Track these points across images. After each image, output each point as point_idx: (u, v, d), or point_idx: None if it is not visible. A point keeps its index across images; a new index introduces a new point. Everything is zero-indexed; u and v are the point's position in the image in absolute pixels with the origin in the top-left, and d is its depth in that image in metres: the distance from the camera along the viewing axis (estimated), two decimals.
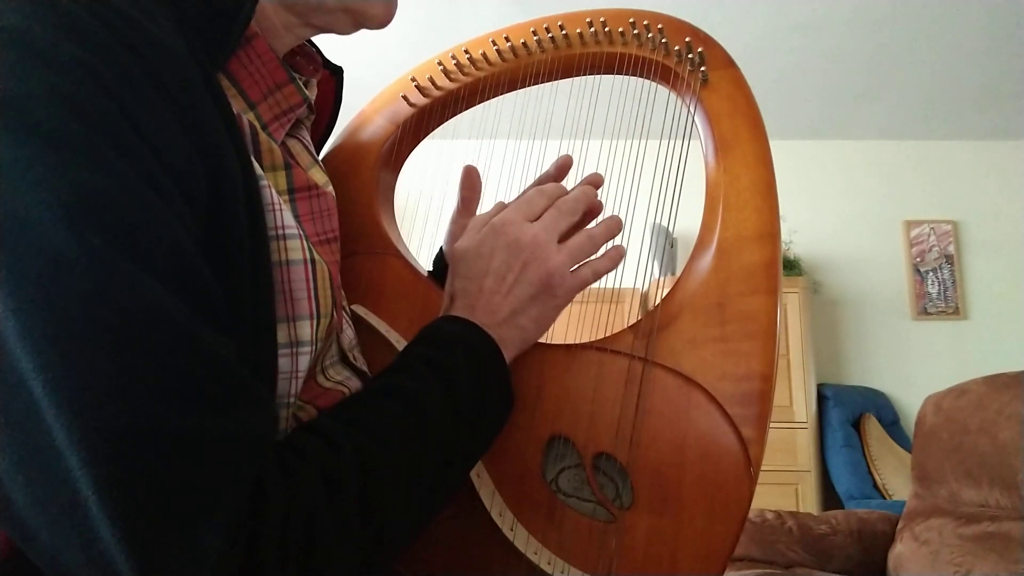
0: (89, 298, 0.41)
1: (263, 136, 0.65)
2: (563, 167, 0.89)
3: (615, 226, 0.79)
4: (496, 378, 0.66)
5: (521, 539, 0.72)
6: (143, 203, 0.45)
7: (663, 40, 0.85)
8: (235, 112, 0.59)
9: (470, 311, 0.70)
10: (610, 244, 0.80)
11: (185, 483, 0.41)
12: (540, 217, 0.75)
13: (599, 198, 0.83)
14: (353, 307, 0.80)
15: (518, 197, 0.82)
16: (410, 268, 0.85)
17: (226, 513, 0.42)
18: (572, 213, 0.77)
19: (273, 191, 0.61)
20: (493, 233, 0.73)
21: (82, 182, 0.42)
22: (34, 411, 0.39)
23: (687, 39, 0.83)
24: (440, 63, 0.91)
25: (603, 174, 0.86)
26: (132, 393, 0.41)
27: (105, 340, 0.41)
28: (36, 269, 0.40)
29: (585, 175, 0.85)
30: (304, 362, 0.62)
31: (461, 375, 0.62)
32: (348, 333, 0.75)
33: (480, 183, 0.89)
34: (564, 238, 0.75)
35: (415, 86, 0.92)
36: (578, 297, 0.95)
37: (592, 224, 0.80)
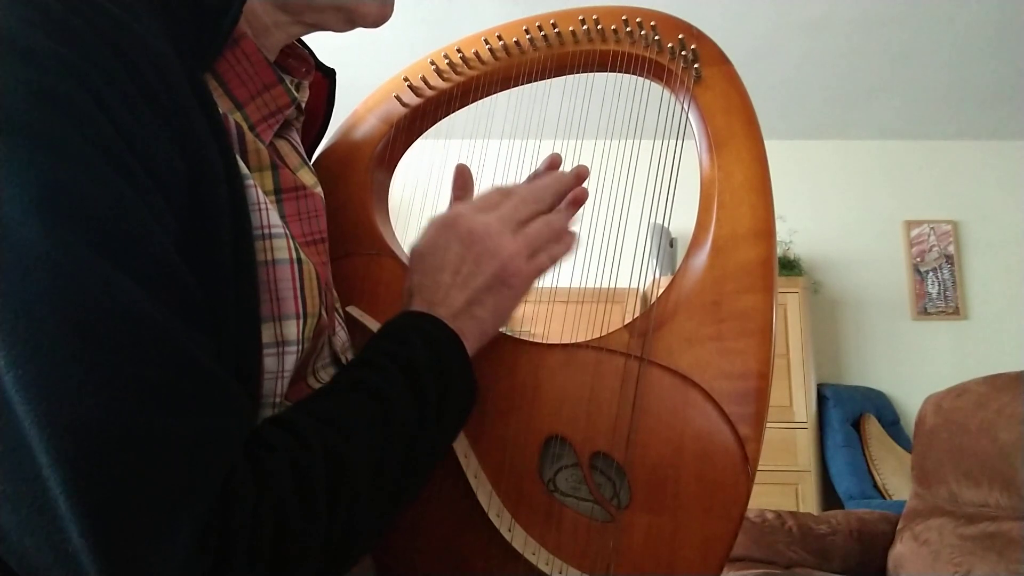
0: (60, 294, 0.41)
1: (250, 137, 0.65)
2: (553, 165, 0.88)
3: (578, 201, 0.78)
4: (458, 369, 0.66)
5: (519, 539, 0.72)
6: (118, 199, 0.45)
7: (656, 37, 0.84)
8: (221, 112, 0.59)
9: (428, 305, 0.69)
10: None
11: (154, 482, 0.41)
12: (496, 208, 0.74)
13: (585, 188, 0.82)
14: (347, 309, 0.80)
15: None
16: (405, 269, 0.84)
17: (195, 513, 0.42)
18: (535, 201, 0.76)
19: (259, 190, 0.61)
20: (447, 227, 0.73)
21: (56, 177, 0.42)
22: (6, 407, 0.39)
23: (680, 36, 0.83)
24: (432, 62, 0.91)
25: (598, 173, 0.85)
26: (103, 391, 0.41)
27: (76, 337, 0.41)
28: (7, 264, 0.40)
29: None
30: (290, 362, 0.61)
31: (424, 368, 0.62)
32: (341, 335, 0.75)
33: (472, 182, 0.89)
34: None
35: (408, 85, 0.92)
36: (575, 297, 0.95)
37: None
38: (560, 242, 0.77)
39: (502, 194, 0.76)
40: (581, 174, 0.84)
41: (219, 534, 0.43)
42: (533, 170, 0.88)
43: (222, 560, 0.43)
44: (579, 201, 0.81)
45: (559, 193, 0.78)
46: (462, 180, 0.87)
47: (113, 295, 0.42)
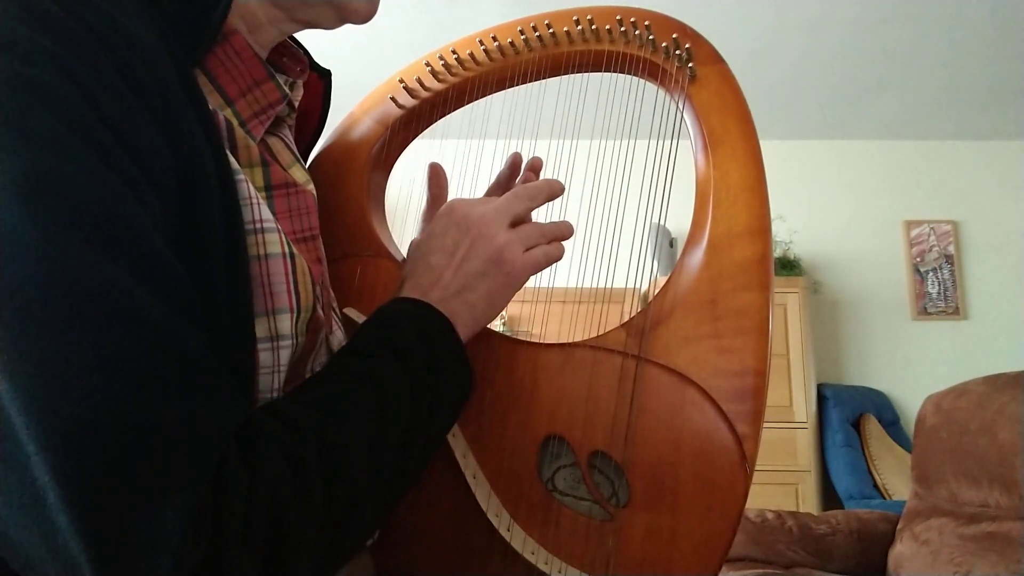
0: (47, 280, 0.41)
1: (240, 133, 0.65)
2: (515, 165, 0.89)
3: (566, 229, 0.79)
4: (450, 352, 0.66)
5: (518, 539, 0.72)
6: (104, 187, 0.45)
7: (650, 37, 0.85)
8: (211, 108, 0.59)
9: (420, 290, 0.69)
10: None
11: (143, 470, 0.41)
12: (491, 201, 0.75)
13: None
14: (344, 310, 0.80)
15: None
16: (401, 270, 0.84)
17: (186, 501, 0.42)
18: (530, 199, 0.76)
19: (250, 185, 0.61)
20: (443, 215, 0.74)
21: (40, 164, 0.42)
22: None
23: (674, 35, 0.83)
24: (428, 63, 0.91)
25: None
26: (90, 377, 0.40)
27: (63, 323, 0.41)
28: None
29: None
30: (285, 356, 0.61)
31: (414, 351, 0.62)
32: (338, 335, 0.75)
33: (446, 179, 0.90)
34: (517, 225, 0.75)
35: (403, 87, 0.92)
36: (573, 297, 0.95)
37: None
38: (552, 244, 0.77)
39: (495, 194, 0.77)
40: (536, 166, 0.87)
41: (212, 521, 0.43)
42: (498, 172, 0.89)
43: (216, 547, 0.43)
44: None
45: (551, 195, 0.79)
46: (437, 179, 0.89)
47: (100, 281, 0.42)
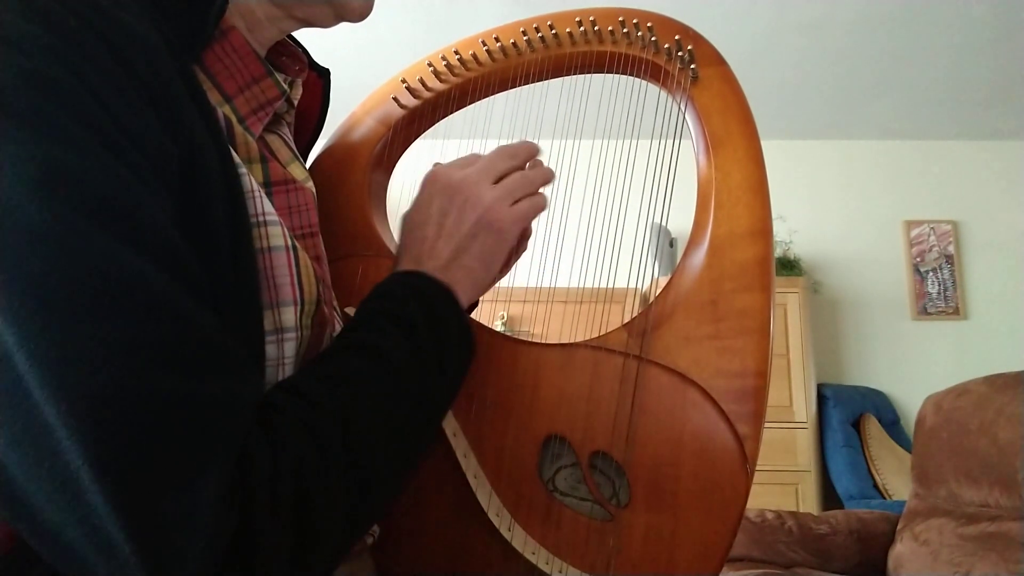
0: (65, 268, 0.41)
1: (239, 129, 0.65)
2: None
3: (548, 173, 0.79)
4: (452, 320, 0.67)
5: (519, 539, 0.72)
6: (113, 175, 0.45)
7: (652, 38, 0.85)
8: (211, 104, 0.59)
9: (416, 262, 0.70)
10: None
11: (173, 447, 0.41)
12: (473, 163, 0.76)
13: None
14: (346, 309, 0.80)
15: None
16: None
17: (216, 475, 0.42)
18: (511, 156, 0.77)
19: (252, 179, 0.61)
20: (427, 185, 0.75)
21: (50, 157, 0.43)
22: (21, 385, 0.40)
23: (676, 37, 0.83)
24: (430, 64, 0.91)
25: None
26: (114, 359, 0.41)
27: (84, 309, 0.41)
28: (10, 243, 0.41)
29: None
30: (290, 348, 0.62)
31: (417, 321, 0.63)
32: None
33: None
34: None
35: (405, 88, 0.92)
36: (574, 297, 0.95)
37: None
38: (538, 194, 0.78)
39: (476, 155, 0.78)
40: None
41: (240, 494, 0.44)
42: None
43: (246, 519, 0.44)
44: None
45: (531, 154, 0.80)
46: None
47: (117, 266, 0.43)
